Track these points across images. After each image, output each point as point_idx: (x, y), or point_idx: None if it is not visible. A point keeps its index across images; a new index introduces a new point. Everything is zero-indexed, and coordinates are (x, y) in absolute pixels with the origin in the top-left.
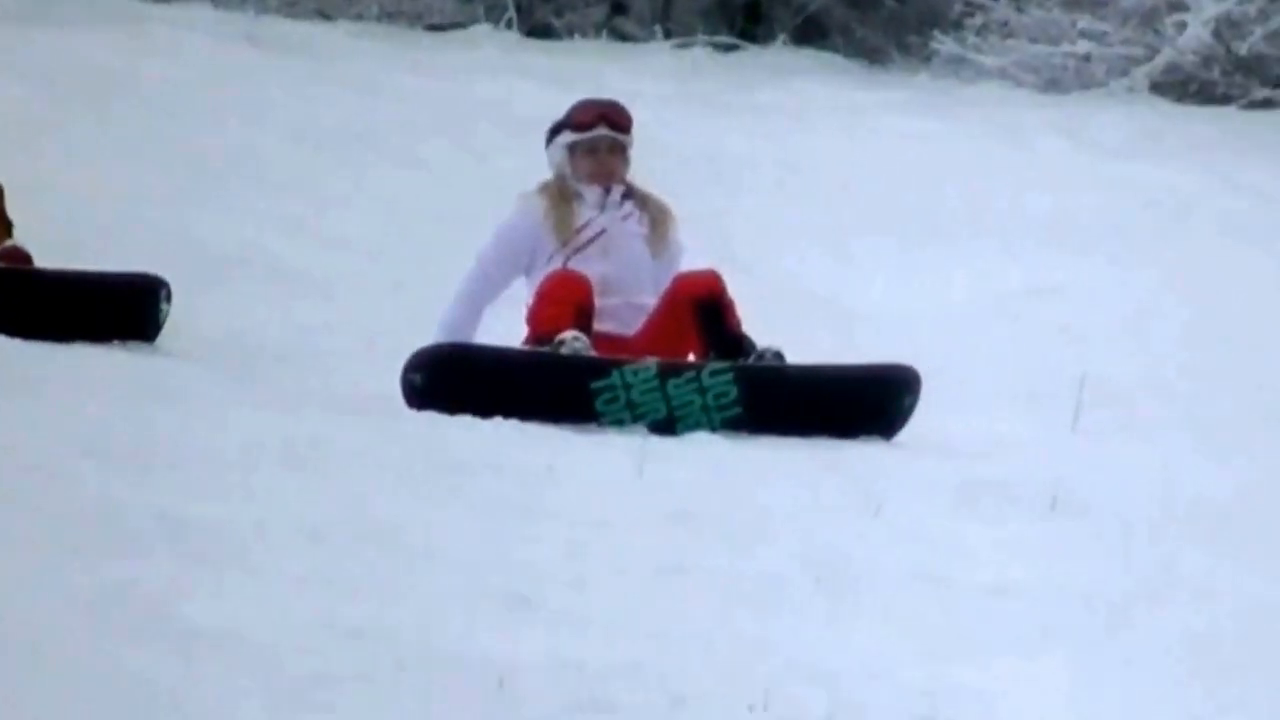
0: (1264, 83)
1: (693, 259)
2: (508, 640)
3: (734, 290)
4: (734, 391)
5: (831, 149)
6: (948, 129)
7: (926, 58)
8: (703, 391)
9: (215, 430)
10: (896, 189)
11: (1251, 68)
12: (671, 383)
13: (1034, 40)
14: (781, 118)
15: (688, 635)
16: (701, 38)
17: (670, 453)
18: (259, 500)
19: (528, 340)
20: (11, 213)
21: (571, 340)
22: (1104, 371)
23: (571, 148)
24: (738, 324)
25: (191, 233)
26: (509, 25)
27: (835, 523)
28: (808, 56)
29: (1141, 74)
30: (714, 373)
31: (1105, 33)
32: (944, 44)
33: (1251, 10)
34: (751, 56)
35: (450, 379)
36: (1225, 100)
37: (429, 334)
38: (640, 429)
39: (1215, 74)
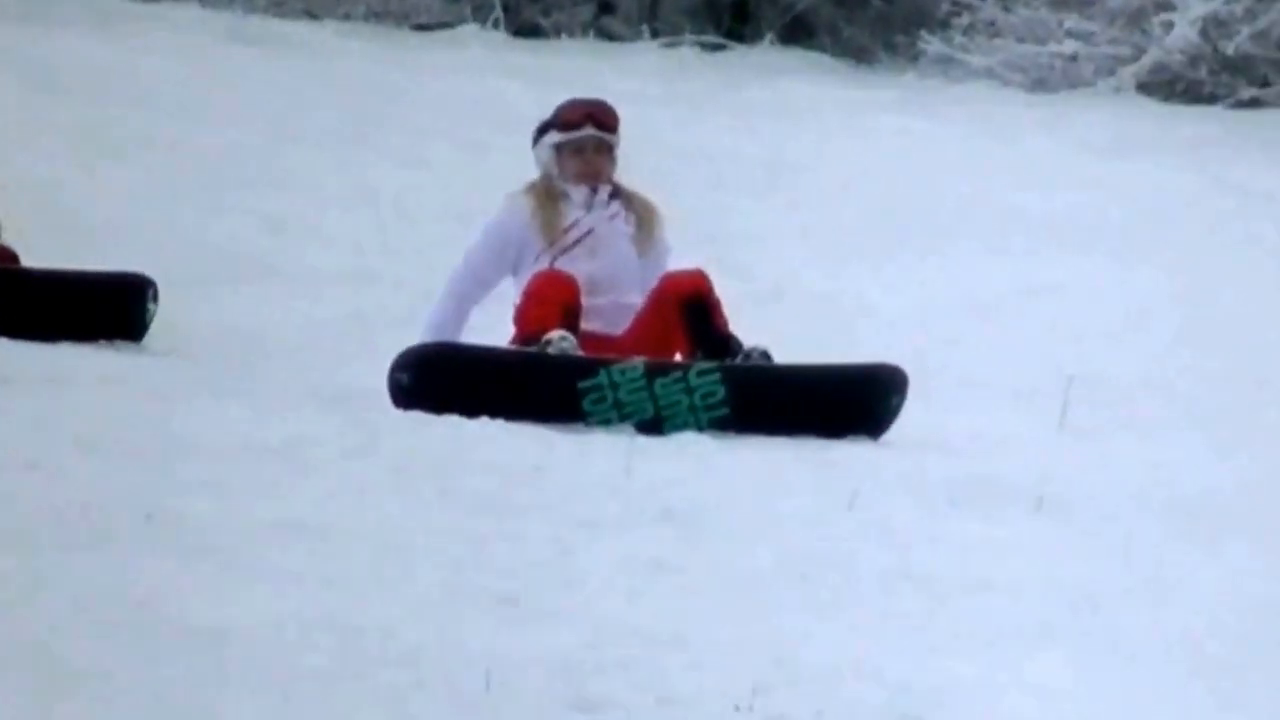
0: (1251, 82)
1: (680, 258)
2: (495, 639)
3: (721, 290)
4: (721, 391)
5: (819, 149)
6: (935, 129)
7: (914, 57)
8: (690, 391)
9: (204, 428)
10: (884, 189)
11: (1238, 67)
12: (659, 382)
13: (1021, 40)
14: (769, 117)
15: (675, 634)
16: (689, 37)
17: (657, 452)
18: (247, 498)
19: (515, 340)
20: None
21: (559, 340)
22: (1091, 370)
23: (558, 147)
24: (725, 323)
25: (180, 231)
26: (496, 25)
27: (822, 522)
28: (795, 56)
29: (1129, 73)
30: (701, 372)
31: (1092, 32)
32: (931, 44)
33: (1239, 10)
34: (739, 56)
35: (437, 378)
36: (1212, 100)
37: (416, 333)
38: (627, 429)
39: (1202, 73)
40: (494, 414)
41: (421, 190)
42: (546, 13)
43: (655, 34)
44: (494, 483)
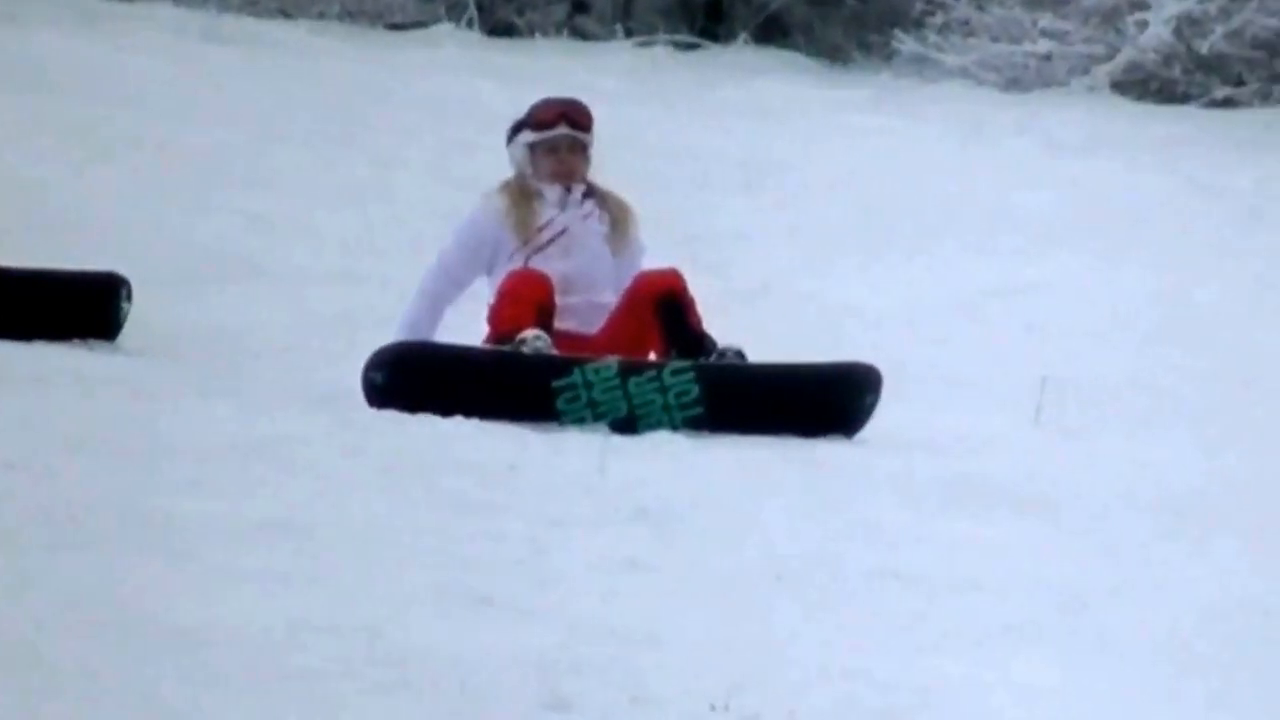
0: (1225, 81)
1: (654, 257)
2: (470, 638)
3: (696, 289)
4: (695, 390)
5: (794, 148)
6: (909, 128)
7: (888, 57)
8: (664, 390)
9: (188, 428)
10: (860, 188)
11: (1212, 66)
12: (633, 381)
13: (995, 39)
14: (743, 116)
15: (650, 634)
16: (663, 36)
17: (632, 451)
18: (230, 498)
19: (489, 339)
20: None
21: (533, 339)
22: (1068, 369)
23: (532, 146)
24: (699, 322)
25: (163, 230)
26: (470, 24)
27: (797, 520)
28: (769, 55)
29: (1103, 72)
30: (675, 371)
31: (1066, 31)
32: (905, 43)
33: (1212, 9)
34: (712, 55)
35: (411, 378)
36: (1186, 99)
37: (391, 331)
38: (601, 428)
39: (1176, 73)
40: (468, 413)
41: (397, 189)
42: (520, 12)
43: (629, 33)
44: (468, 482)
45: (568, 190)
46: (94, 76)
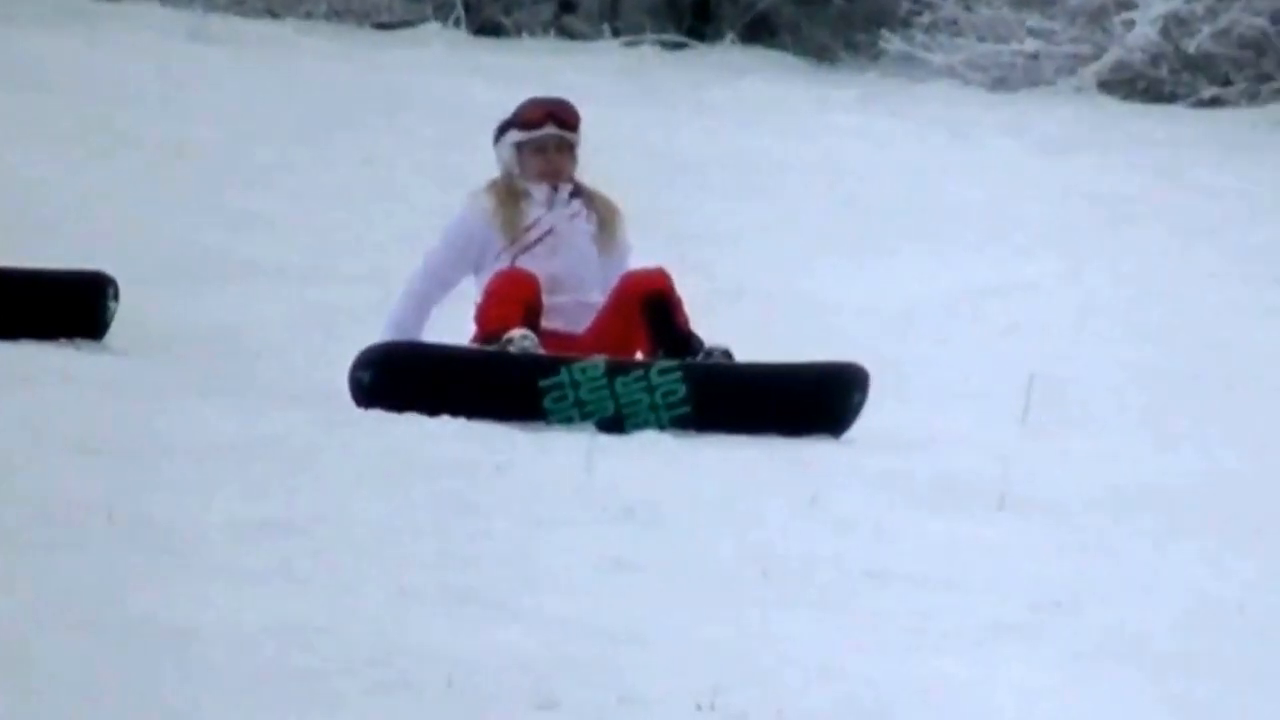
0: (1212, 81)
1: (641, 257)
2: (456, 636)
3: (682, 288)
4: (682, 390)
5: (780, 147)
6: (896, 127)
7: (875, 56)
8: (651, 390)
9: (171, 427)
10: (847, 188)
11: (1199, 66)
12: (620, 381)
13: (982, 38)
14: (730, 116)
15: (636, 632)
16: (650, 36)
17: (618, 451)
18: (207, 496)
19: (476, 338)
20: None
21: (520, 338)
22: (1053, 368)
23: (519, 146)
24: (686, 322)
25: (141, 229)
26: (457, 23)
27: (784, 520)
28: (756, 55)
29: (1090, 72)
30: (662, 371)
31: (1054, 31)
32: (892, 42)
33: (1199, 9)
34: (700, 55)
35: (398, 377)
36: (1173, 99)
37: (378, 331)
38: (588, 427)
39: (1163, 72)
40: (455, 412)
41: (385, 188)
42: (507, 11)
43: (616, 33)
44: (456, 481)
45: (555, 190)
46: (82, 76)
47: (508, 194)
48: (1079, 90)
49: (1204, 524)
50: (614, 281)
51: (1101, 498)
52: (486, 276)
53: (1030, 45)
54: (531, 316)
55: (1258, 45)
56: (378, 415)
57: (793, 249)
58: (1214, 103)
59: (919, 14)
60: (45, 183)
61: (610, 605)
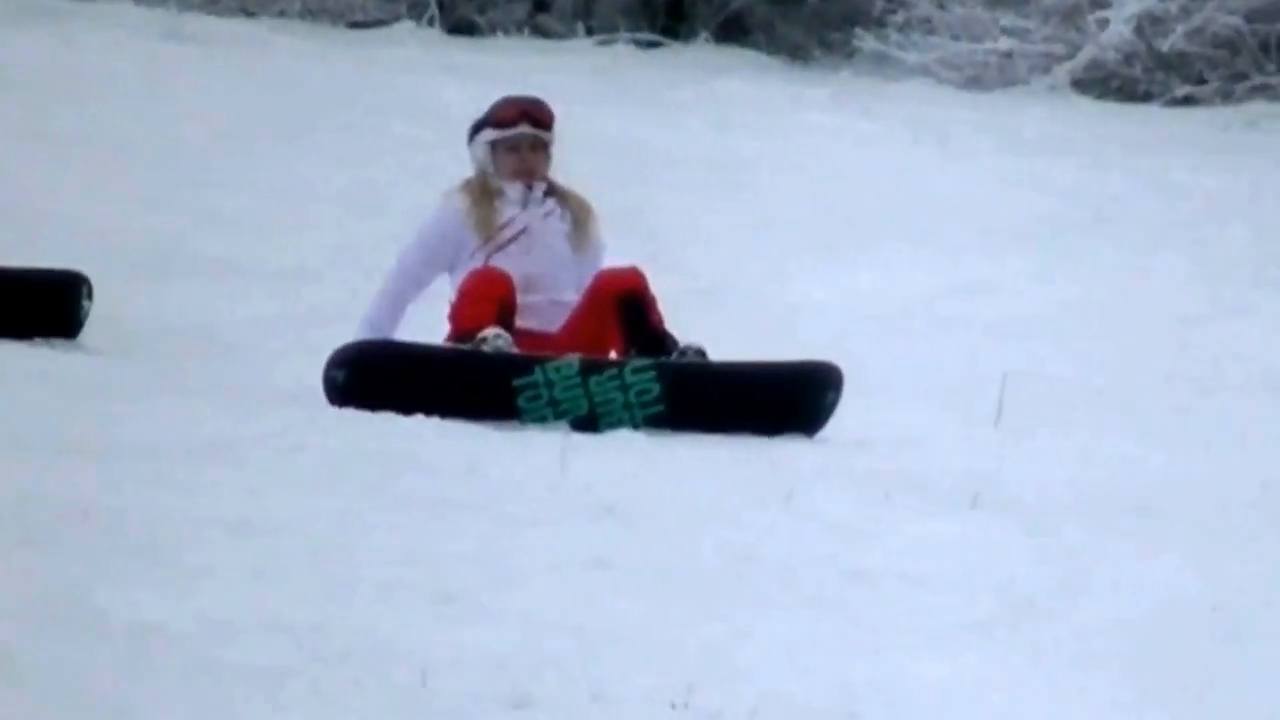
0: (1185, 80)
1: (615, 256)
2: (431, 635)
3: (656, 287)
4: (656, 389)
5: (754, 146)
6: (870, 126)
7: (849, 55)
8: (625, 389)
9: (142, 425)
10: (821, 186)
11: (1173, 65)
12: (594, 380)
13: (956, 37)
14: (704, 115)
15: (610, 630)
16: (624, 35)
17: (592, 449)
18: (184, 495)
19: (450, 337)
20: None
21: (493, 337)
22: (1027, 368)
23: (493, 145)
24: (660, 321)
25: (116, 228)
26: (431, 22)
27: (758, 519)
28: (730, 54)
29: (1064, 71)
30: (636, 370)
31: (1027, 30)
32: (866, 41)
33: (1173, 7)
34: (674, 54)
35: (372, 376)
36: (1147, 97)
37: (353, 330)
38: (562, 426)
39: (1137, 71)
40: (429, 411)
41: (358, 187)
42: (482, 10)
43: (590, 31)
44: (429, 480)
45: (529, 189)
46: (56, 75)
47: (482, 193)
48: (1053, 89)
49: (1177, 523)
50: (588, 280)
51: (1075, 497)
52: (461, 275)
53: (1004, 44)
54: (505, 315)
55: (1232, 44)
56: (352, 414)
57: (767, 248)
58: (1188, 101)
59: (893, 12)
60: (17, 181)
61: (584, 604)
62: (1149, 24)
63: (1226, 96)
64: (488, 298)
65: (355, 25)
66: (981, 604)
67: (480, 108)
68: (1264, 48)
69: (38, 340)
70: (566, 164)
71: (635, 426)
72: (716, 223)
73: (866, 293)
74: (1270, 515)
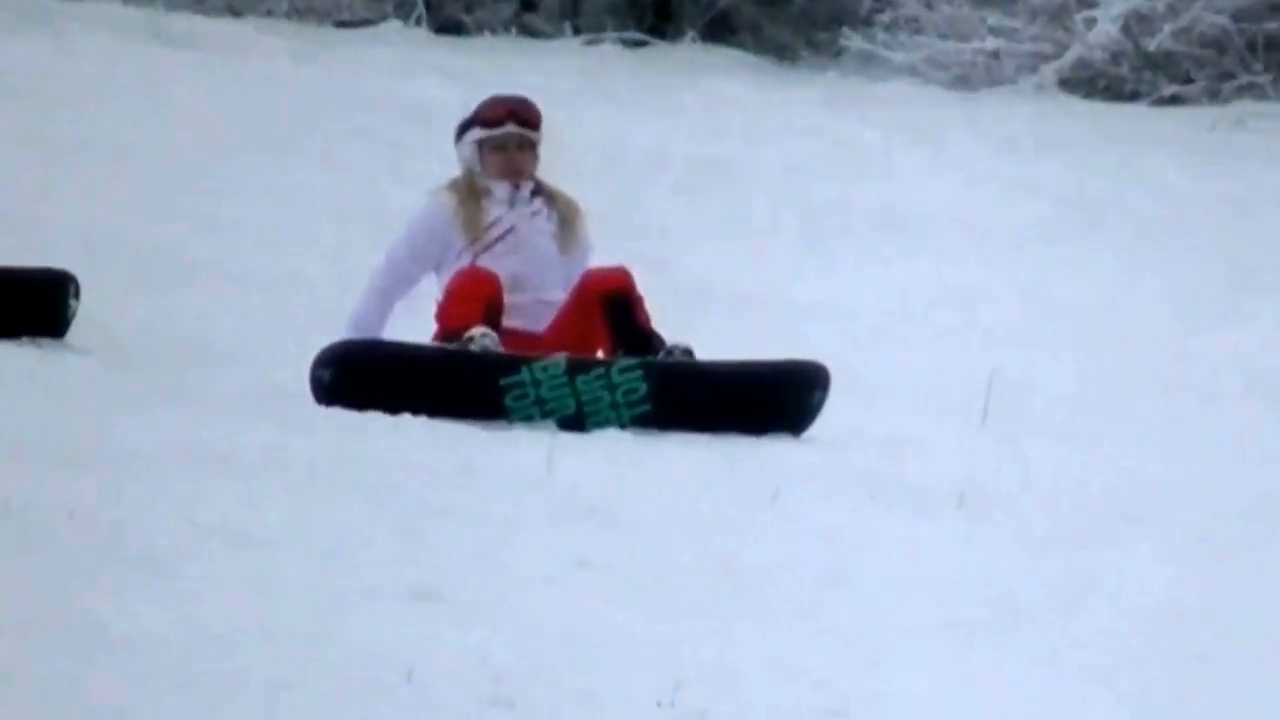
0: (1173, 79)
1: (602, 255)
2: (416, 636)
3: (643, 287)
4: (643, 388)
5: (740, 146)
6: (857, 126)
7: (836, 54)
8: (612, 388)
9: (130, 430)
10: (808, 186)
11: (1160, 64)
12: (580, 379)
13: (943, 36)
14: (691, 114)
15: (596, 631)
16: (610, 34)
17: (579, 449)
18: (167, 498)
19: (436, 337)
20: None
21: (480, 337)
22: (1014, 370)
23: (480, 144)
24: (647, 320)
25: (102, 229)
26: (418, 22)
27: (744, 519)
28: (717, 53)
29: (1051, 70)
30: (623, 369)
31: (1015, 29)
32: (853, 40)
33: (1161, 6)
34: (660, 53)
35: (359, 375)
36: (1134, 97)
37: (340, 328)
38: (549, 425)
39: (1124, 70)
40: (416, 411)
41: (345, 188)
42: (468, 9)
43: (577, 31)
44: (416, 480)
45: (516, 188)
46: (51, 81)
47: (469, 192)
48: (1040, 88)
49: (1164, 525)
50: (575, 280)
51: (1061, 499)
52: (447, 275)
53: (991, 43)
54: (492, 315)
55: (1219, 43)
56: (339, 415)
57: (754, 248)
58: (1175, 101)
59: (880, 12)
60: (14, 188)
61: (570, 603)
62: (1136, 23)
63: (1214, 95)
64: (474, 297)
65: (342, 25)
66: (967, 605)
67: (467, 107)
68: (1251, 47)
69: (24, 340)
70: (553, 163)
71: (622, 426)
72: (703, 222)
73: (853, 293)
74: (1265, 524)
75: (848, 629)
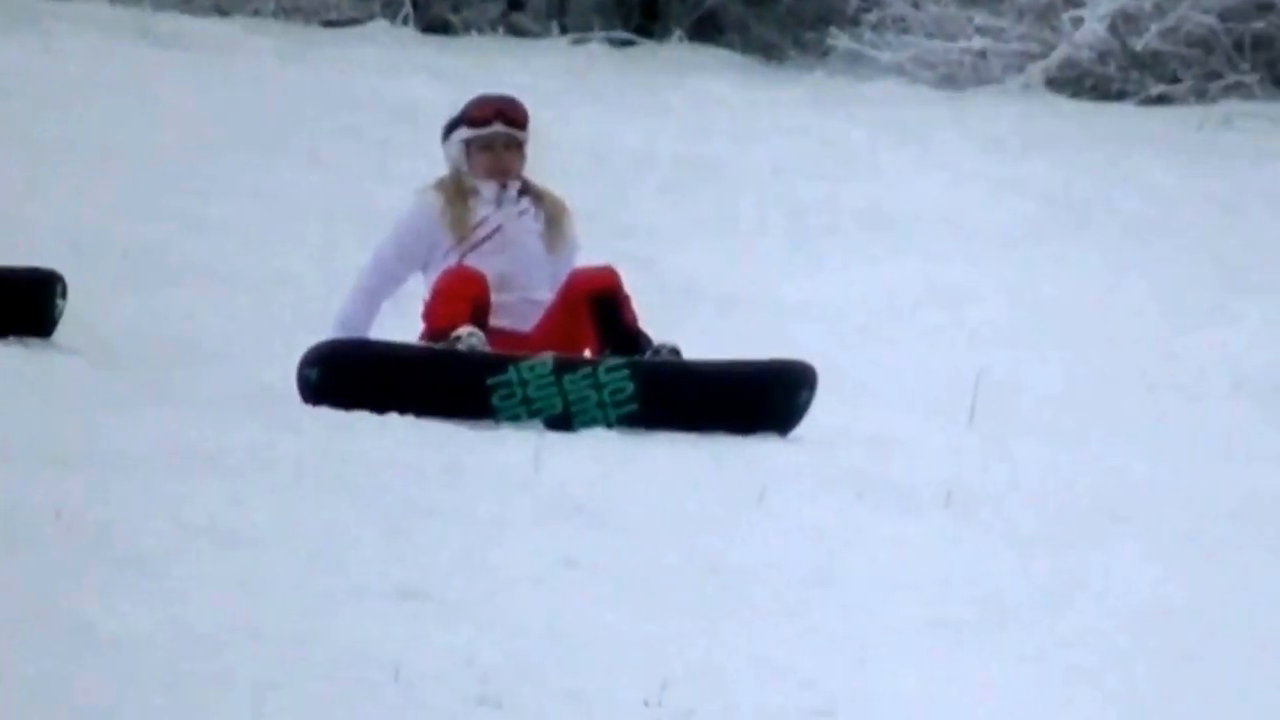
0: (1160, 79)
1: (590, 255)
2: (403, 636)
3: (630, 286)
4: (630, 387)
5: (727, 145)
6: (844, 125)
7: (823, 54)
8: (599, 387)
9: (117, 430)
10: (795, 186)
11: (1147, 64)
12: (568, 378)
13: (930, 36)
14: (678, 113)
15: (584, 630)
16: (598, 33)
17: (566, 449)
18: (154, 498)
19: (424, 336)
20: None
21: (467, 336)
22: (1001, 370)
23: (468, 143)
24: (634, 320)
25: (89, 229)
26: (406, 21)
27: (730, 518)
28: (704, 53)
29: (1038, 70)
30: (610, 368)
31: (1002, 28)
32: (840, 40)
33: (1148, 6)
34: (648, 53)
35: (346, 374)
36: (1121, 96)
37: (327, 327)
38: (536, 425)
39: (1111, 70)
40: (403, 410)
41: (332, 188)
42: (456, 9)
43: (564, 30)
44: (403, 479)
45: (503, 187)
46: (37, 81)
47: (456, 192)
48: (1027, 88)
49: (1151, 525)
50: (562, 279)
51: (1048, 499)
52: (434, 274)
53: (978, 43)
54: (479, 314)
55: (1206, 43)
56: (325, 415)
57: (740, 247)
58: (1162, 100)
59: (867, 11)
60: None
61: (557, 602)
62: (1123, 22)
63: (1201, 95)
64: (461, 296)
65: (329, 24)
66: (954, 604)
67: (454, 107)
68: (1238, 46)
69: (11, 340)
70: (540, 163)
71: (609, 425)
72: (691, 222)
73: (840, 293)
74: (1252, 524)
75: (835, 628)
